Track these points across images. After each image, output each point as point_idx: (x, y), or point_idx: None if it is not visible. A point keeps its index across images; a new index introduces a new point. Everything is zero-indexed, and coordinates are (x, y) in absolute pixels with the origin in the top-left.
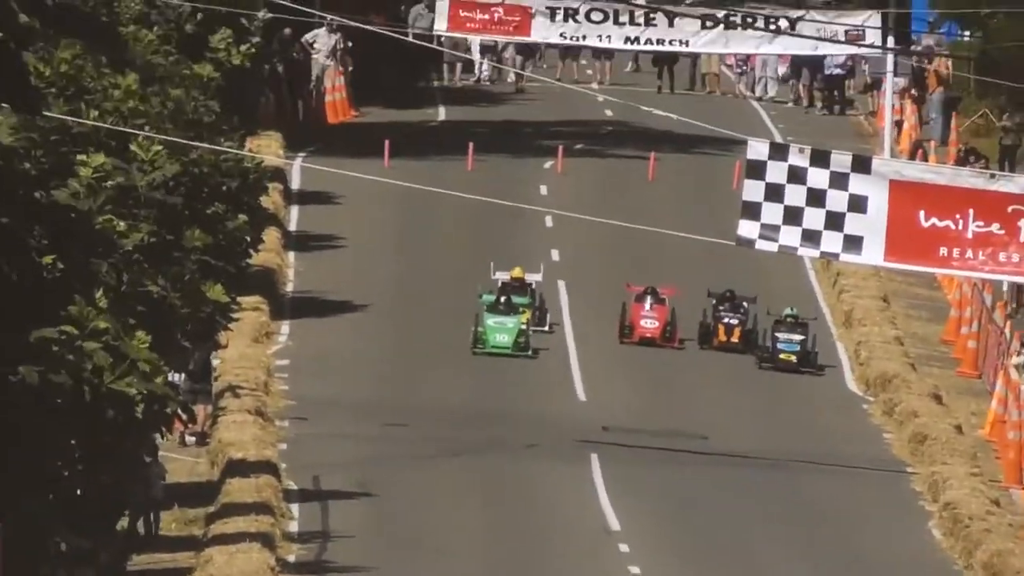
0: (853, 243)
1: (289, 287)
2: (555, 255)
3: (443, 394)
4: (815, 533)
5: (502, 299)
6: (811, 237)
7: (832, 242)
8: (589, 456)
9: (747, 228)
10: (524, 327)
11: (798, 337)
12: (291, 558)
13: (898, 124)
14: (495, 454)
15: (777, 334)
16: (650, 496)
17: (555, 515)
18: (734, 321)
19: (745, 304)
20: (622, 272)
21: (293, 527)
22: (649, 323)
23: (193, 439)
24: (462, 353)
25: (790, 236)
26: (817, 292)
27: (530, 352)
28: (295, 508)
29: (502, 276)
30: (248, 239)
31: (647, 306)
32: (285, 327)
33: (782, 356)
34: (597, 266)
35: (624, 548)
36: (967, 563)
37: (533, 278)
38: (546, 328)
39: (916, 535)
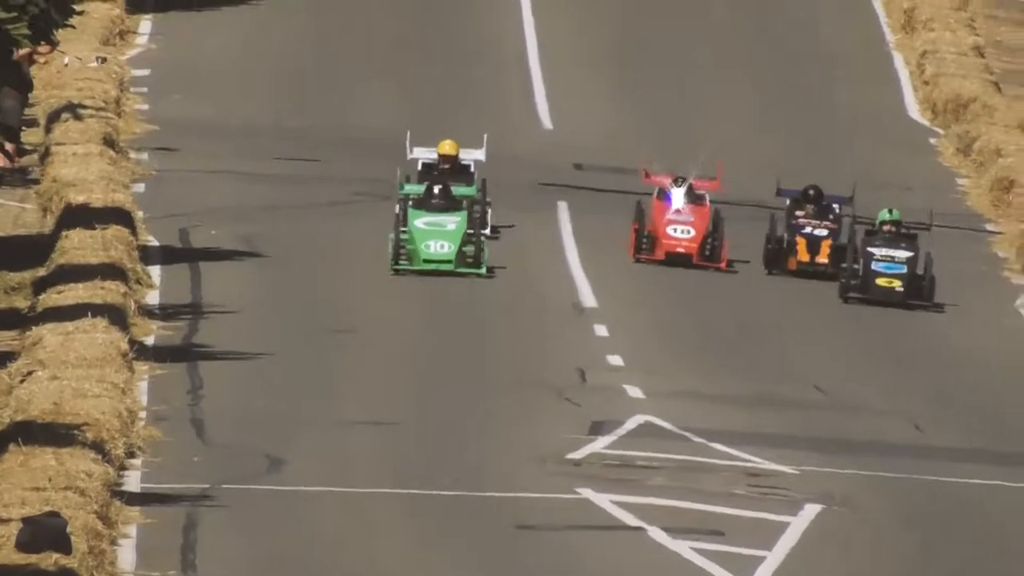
0: None
1: None
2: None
3: (369, 113)
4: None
5: (436, 188)
6: None
7: None
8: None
9: None
10: (472, 232)
11: (903, 254)
12: (149, 340)
13: None
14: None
15: (871, 249)
16: None
17: None
18: (821, 232)
19: (836, 207)
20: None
21: (153, 298)
22: (681, 231)
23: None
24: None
25: None
26: None
27: (484, 269)
28: (156, 272)
29: (423, 154)
30: None
31: (677, 204)
32: (146, 24)
33: (880, 282)
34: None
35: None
36: None
37: (472, 156)
38: (486, 232)
39: (1008, 316)
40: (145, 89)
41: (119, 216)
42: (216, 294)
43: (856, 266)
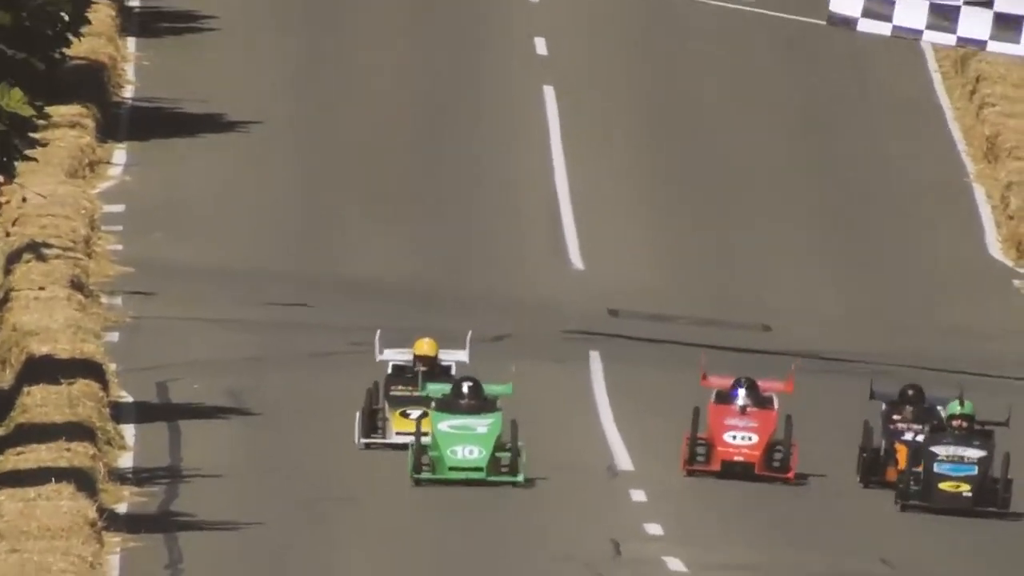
0: (1008, 25)
1: (127, 92)
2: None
3: (360, 259)
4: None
5: (465, 387)
6: (943, 14)
7: (976, 23)
8: None
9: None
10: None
11: (975, 453)
12: (121, 508)
13: None
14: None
15: (934, 448)
16: None
17: None
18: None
19: (940, 409)
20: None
21: (126, 461)
22: (742, 438)
23: None
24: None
25: (910, 12)
26: (945, 107)
27: (522, 477)
28: (129, 432)
29: (395, 355)
30: (65, 17)
31: (738, 408)
32: (120, 154)
33: (944, 486)
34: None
35: None
36: None
37: (453, 357)
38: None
39: None
40: (119, 227)
41: (88, 369)
42: (197, 456)
43: (917, 469)
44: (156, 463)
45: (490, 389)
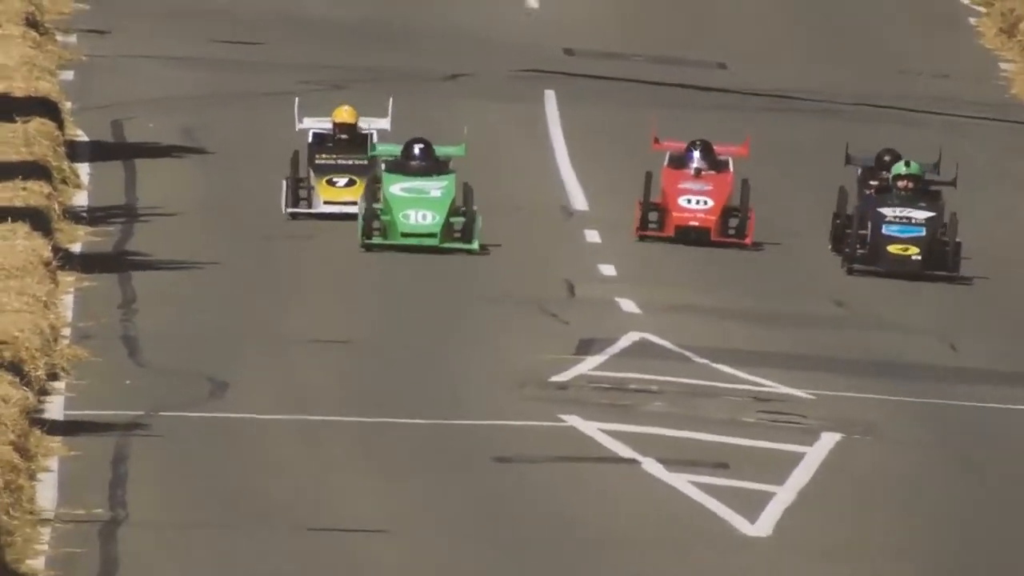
0: None
1: None
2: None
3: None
4: None
5: (416, 148)
6: None
7: None
8: None
9: None
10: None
11: (922, 214)
12: (76, 247)
13: None
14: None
15: (882, 209)
16: None
17: None
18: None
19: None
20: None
21: (80, 200)
22: (697, 203)
23: None
24: None
25: None
26: None
27: (476, 244)
28: (84, 171)
29: (315, 124)
30: None
31: (692, 171)
32: None
33: (892, 249)
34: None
35: None
36: None
37: (375, 124)
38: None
39: None
40: None
41: (43, 107)
42: (152, 195)
43: (863, 231)
44: (111, 202)
45: (442, 150)
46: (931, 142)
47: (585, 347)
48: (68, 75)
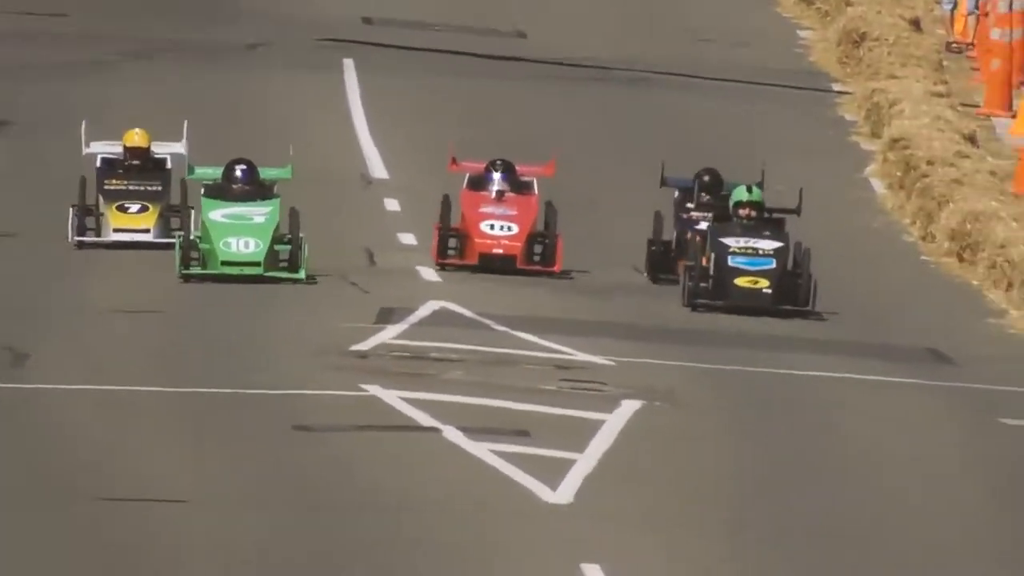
0: None
1: None
2: None
3: None
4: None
5: (238, 170)
6: None
7: None
8: None
9: None
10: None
11: (769, 244)
12: None
13: None
14: None
15: (724, 240)
16: None
17: None
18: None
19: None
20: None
21: None
22: (500, 228)
23: None
24: None
25: None
26: None
27: (303, 274)
28: None
29: (103, 148)
30: None
31: (494, 193)
32: None
33: (740, 282)
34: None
35: None
36: (925, 230)
37: (168, 149)
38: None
39: (856, 187)
40: None
41: None
42: None
43: (706, 263)
44: None
45: (266, 173)
46: (731, 112)
47: (385, 316)
48: None
